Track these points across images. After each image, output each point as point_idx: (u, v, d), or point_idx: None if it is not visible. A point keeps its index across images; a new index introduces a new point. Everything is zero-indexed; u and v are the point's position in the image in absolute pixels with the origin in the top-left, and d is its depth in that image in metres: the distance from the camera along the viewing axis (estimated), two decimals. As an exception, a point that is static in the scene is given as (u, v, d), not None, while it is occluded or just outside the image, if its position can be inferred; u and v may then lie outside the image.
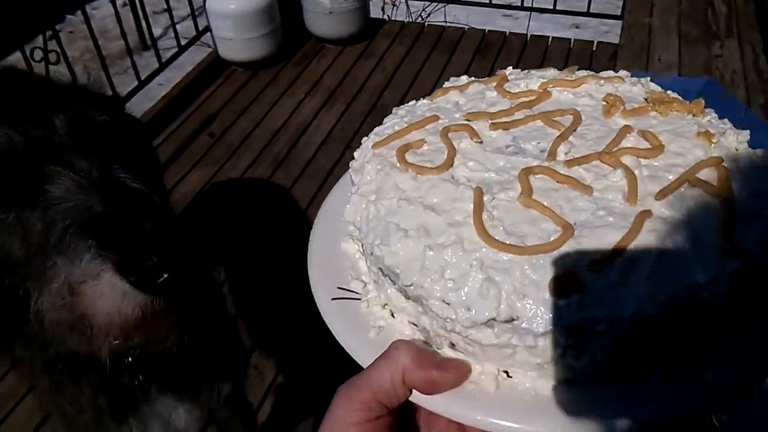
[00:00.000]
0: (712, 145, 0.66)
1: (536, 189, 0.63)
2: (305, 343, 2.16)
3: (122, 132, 0.85)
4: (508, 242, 0.59)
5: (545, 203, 0.62)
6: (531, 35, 3.73)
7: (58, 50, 2.70)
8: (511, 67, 0.82)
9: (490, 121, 0.72)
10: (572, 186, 0.63)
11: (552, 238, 0.59)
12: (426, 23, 3.92)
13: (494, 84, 0.78)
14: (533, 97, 0.75)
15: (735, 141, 0.67)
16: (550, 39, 3.67)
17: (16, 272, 0.78)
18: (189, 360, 1.09)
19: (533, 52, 3.59)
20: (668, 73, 2.37)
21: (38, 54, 2.62)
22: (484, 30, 3.80)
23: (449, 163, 0.67)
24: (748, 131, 0.69)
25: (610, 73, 0.78)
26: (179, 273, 0.68)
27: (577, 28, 3.83)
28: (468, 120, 0.73)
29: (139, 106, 3.28)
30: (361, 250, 0.70)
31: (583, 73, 0.79)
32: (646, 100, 0.73)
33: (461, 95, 0.77)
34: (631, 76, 0.78)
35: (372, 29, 3.94)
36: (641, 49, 2.67)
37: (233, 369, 1.28)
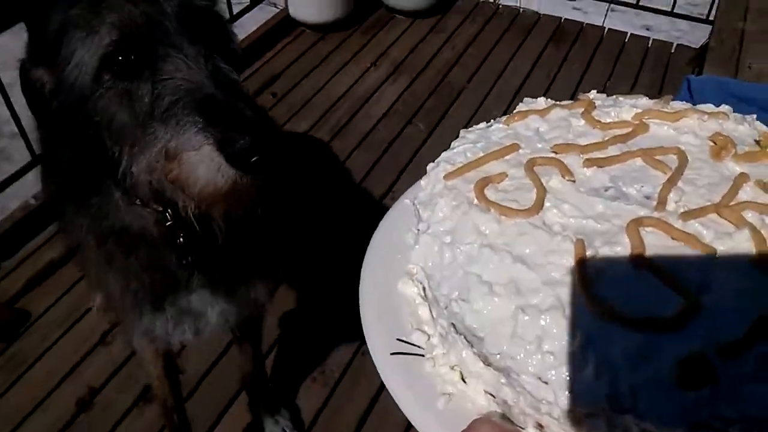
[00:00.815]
0: None
1: (647, 245, 0.53)
2: (334, 309, 2.10)
3: (218, 18, 0.93)
4: (619, 311, 0.50)
5: (661, 265, 0.52)
6: (608, 29, 3.62)
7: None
8: (595, 91, 0.74)
9: (582, 156, 0.62)
10: (691, 245, 0.53)
11: (673, 312, 0.49)
12: (500, 4, 3.83)
13: (580, 110, 0.69)
14: (628, 130, 0.66)
15: None
16: (628, 35, 3.56)
17: (118, 136, 0.86)
18: (232, 257, 1.13)
19: (609, 47, 3.47)
20: (759, 83, 2.28)
21: None
22: (560, 18, 3.70)
23: (539, 205, 0.57)
24: None
25: (711, 107, 0.69)
26: (267, 156, 0.76)
27: (647, 30, 3.70)
28: (556, 153, 0.63)
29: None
30: (422, 294, 0.60)
31: (680, 104, 0.70)
32: (757, 142, 0.65)
33: (542, 121, 0.68)
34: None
35: (445, 4, 3.82)
36: (731, 54, 2.56)
37: (268, 282, 1.31)
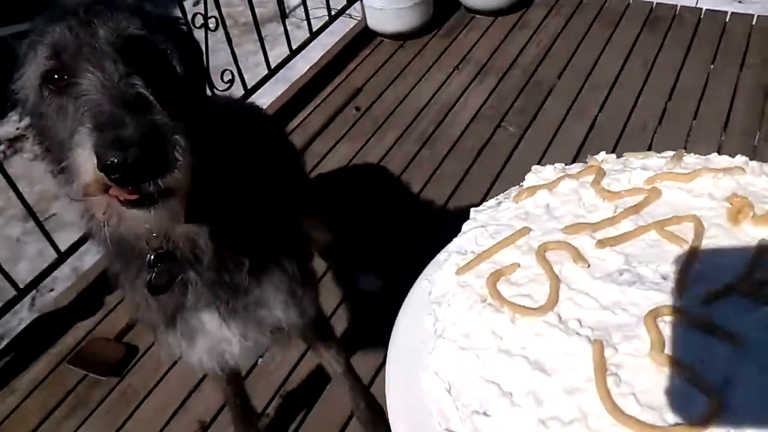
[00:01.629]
0: None
1: (669, 338, 0.51)
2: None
3: (155, 46, 0.98)
4: (644, 418, 0.47)
5: (683, 361, 0.50)
6: (706, 10, 3.42)
7: (217, 16, 2.78)
8: (604, 152, 0.71)
9: (594, 237, 0.60)
10: (717, 335, 0.51)
11: (699, 414, 0.47)
12: (586, -9, 3.68)
13: (590, 178, 0.66)
14: (640, 197, 0.63)
15: None
16: (729, 14, 3.34)
17: (61, 147, 0.94)
18: (234, 277, 1.15)
19: (709, 28, 3.24)
20: None
21: (199, 20, 2.71)
22: (652, 2, 3.51)
23: (553, 301, 0.56)
24: None
25: (726, 159, 0.66)
26: (136, 173, 0.82)
27: (740, 2, 3.46)
28: (567, 234, 0.61)
29: (286, 74, 3.36)
30: (447, 387, 0.59)
31: (693, 159, 0.67)
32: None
33: (551, 195, 0.66)
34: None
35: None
36: None
37: (295, 301, 1.27)
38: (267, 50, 3.09)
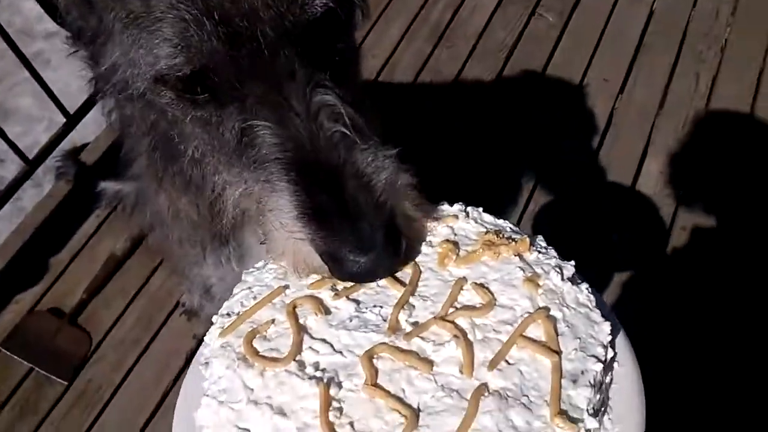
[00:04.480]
0: (539, 290, 0.69)
1: (381, 371, 0.63)
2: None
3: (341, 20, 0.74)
4: None
5: (390, 389, 0.62)
6: None
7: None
8: None
9: (334, 290, 0.70)
10: (412, 364, 0.63)
11: None
12: None
13: None
14: None
15: (559, 280, 0.70)
16: None
17: (193, 149, 0.78)
18: None
19: None
20: None
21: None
22: None
23: (294, 352, 0.66)
24: (572, 263, 0.72)
25: (446, 209, 0.78)
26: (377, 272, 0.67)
27: None
28: (313, 289, 0.71)
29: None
30: None
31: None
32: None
33: None
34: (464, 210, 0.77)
35: None
36: None
37: None
38: None
